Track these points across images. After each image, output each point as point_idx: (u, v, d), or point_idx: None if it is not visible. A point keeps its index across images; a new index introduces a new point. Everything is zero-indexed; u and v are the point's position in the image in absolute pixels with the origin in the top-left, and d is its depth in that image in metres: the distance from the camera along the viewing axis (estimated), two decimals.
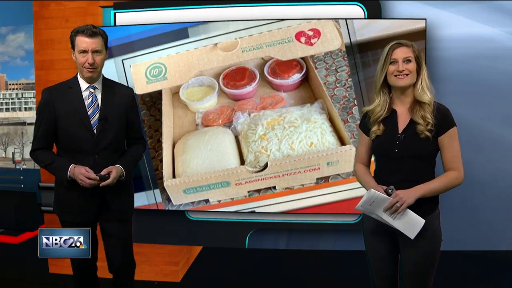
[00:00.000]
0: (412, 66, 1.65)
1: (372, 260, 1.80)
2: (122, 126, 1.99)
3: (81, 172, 1.82)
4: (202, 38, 2.68)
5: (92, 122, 1.90)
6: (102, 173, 1.87)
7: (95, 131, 1.90)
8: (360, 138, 1.85)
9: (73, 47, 1.89)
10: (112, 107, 1.94)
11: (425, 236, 1.62)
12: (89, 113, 1.90)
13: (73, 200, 1.91)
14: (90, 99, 1.92)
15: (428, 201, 1.63)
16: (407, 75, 1.64)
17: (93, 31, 1.86)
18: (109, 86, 1.98)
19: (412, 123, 1.66)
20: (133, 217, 2.10)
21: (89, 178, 1.82)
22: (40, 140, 1.92)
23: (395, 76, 1.66)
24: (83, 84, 1.92)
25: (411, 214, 1.60)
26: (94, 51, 1.86)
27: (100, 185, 1.85)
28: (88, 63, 1.85)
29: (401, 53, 1.65)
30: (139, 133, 2.11)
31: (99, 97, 1.93)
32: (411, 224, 1.60)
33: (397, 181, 1.64)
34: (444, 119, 1.64)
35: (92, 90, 1.93)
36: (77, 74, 1.95)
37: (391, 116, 1.71)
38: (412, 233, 1.60)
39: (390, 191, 1.63)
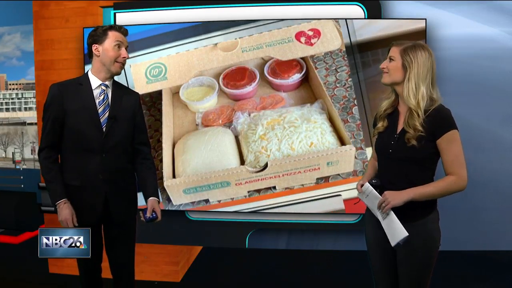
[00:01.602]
0: (393, 65, 1.65)
1: (373, 260, 1.80)
2: (130, 128, 1.97)
3: (67, 217, 1.82)
4: (202, 38, 2.68)
5: (101, 120, 1.87)
6: (148, 214, 1.94)
7: (104, 129, 1.87)
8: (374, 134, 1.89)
9: (99, 41, 1.87)
10: (121, 107, 1.92)
11: (421, 239, 1.61)
12: (99, 111, 1.87)
13: (77, 202, 1.88)
14: (101, 97, 1.89)
15: (421, 205, 1.61)
16: (387, 73, 1.67)
17: (125, 29, 1.92)
18: (118, 87, 1.97)
19: (404, 129, 1.66)
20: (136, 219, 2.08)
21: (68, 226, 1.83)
22: (48, 137, 1.87)
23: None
24: (95, 82, 1.89)
25: (396, 222, 1.59)
26: (127, 48, 1.91)
27: (154, 223, 1.96)
28: (123, 57, 1.88)
29: (390, 52, 1.69)
30: (145, 138, 2.08)
31: (109, 95, 1.92)
32: (394, 231, 1.60)
33: (395, 181, 1.65)
34: (440, 123, 1.60)
35: (104, 88, 1.90)
36: (87, 72, 1.92)
37: (394, 114, 1.72)
38: (393, 240, 1.61)
39: (374, 181, 1.68)
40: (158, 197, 2.01)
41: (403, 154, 1.64)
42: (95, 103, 1.88)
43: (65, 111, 1.85)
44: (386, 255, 1.75)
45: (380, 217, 1.65)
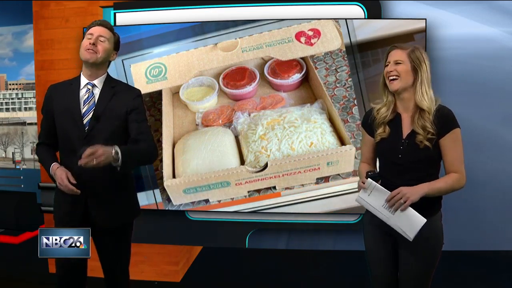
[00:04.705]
0: (401, 68, 1.63)
1: (372, 263, 1.79)
2: (118, 129, 1.85)
3: (61, 177, 1.73)
4: (202, 38, 2.68)
5: (85, 120, 1.82)
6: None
7: (86, 130, 1.81)
8: (363, 138, 1.84)
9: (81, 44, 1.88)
10: (108, 107, 1.84)
11: (426, 238, 1.61)
12: (83, 110, 1.83)
13: (62, 205, 1.87)
14: (86, 96, 1.85)
15: (433, 202, 1.62)
16: (397, 77, 1.63)
17: (104, 22, 1.89)
18: (111, 85, 1.89)
19: (413, 132, 1.65)
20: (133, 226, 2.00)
21: (68, 186, 1.72)
22: (42, 135, 1.93)
23: (388, 78, 1.67)
24: (83, 81, 1.87)
25: (411, 211, 1.56)
26: (100, 37, 1.83)
27: (84, 166, 1.59)
28: (89, 43, 1.81)
29: (394, 55, 1.66)
30: (145, 137, 1.87)
31: (96, 95, 1.86)
32: (410, 223, 1.55)
33: (401, 183, 1.63)
34: (444, 121, 1.62)
35: (89, 87, 1.85)
36: (81, 72, 1.90)
37: (396, 119, 1.70)
38: (411, 233, 1.55)
39: (370, 173, 1.63)
40: (120, 152, 1.64)
41: (414, 158, 1.63)
42: (79, 103, 1.84)
43: (54, 111, 1.86)
44: (387, 258, 1.75)
45: (387, 214, 1.59)
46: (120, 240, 1.95)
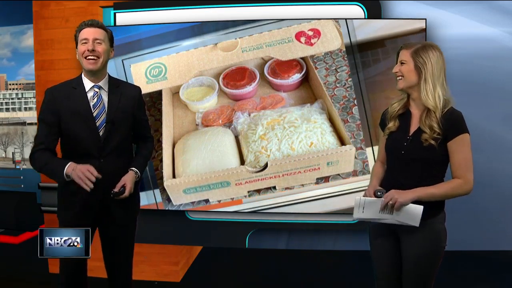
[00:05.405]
0: (405, 68, 1.66)
1: (377, 262, 1.80)
2: (129, 128, 1.93)
3: (85, 167, 1.71)
4: (202, 38, 2.68)
5: (97, 124, 1.83)
6: (116, 189, 1.82)
7: (101, 133, 1.83)
8: (380, 137, 1.87)
9: (77, 44, 1.84)
10: (119, 109, 1.87)
11: (428, 239, 1.62)
12: (94, 114, 1.83)
13: (75, 203, 1.86)
14: (95, 100, 1.84)
15: (430, 206, 1.62)
16: (401, 77, 1.67)
17: (93, 21, 1.84)
18: (115, 86, 1.91)
19: (419, 130, 1.65)
20: (137, 223, 2.04)
21: (89, 179, 1.72)
22: (43, 140, 1.83)
23: (396, 78, 1.71)
24: (88, 84, 1.85)
25: (408, 206, 1.59)
26: (96, 40, 1.80)
27: (117, 198, 1.82)
28: (88, 50, 1.78)
29: (400, 55, 1.69)
30: (146, 132, 2.07)
31: (105, 98, 1.87)
32: (411, 214, 1.59)
33: (405, 182, 1.64)
34: (452, 125, 1.61)
35: (97, 90, 1.85)
36: (81, 74, 1.89)
37: (406, 114, 1.72)
38: (415, 222, 1.59)
39: (379, 193, 1.64)
40: (140, 171, 1.95)
41: (416, 156, 1.64)
42: (90, 106, 1.84)
43: (60, 116, 1.82)
44: (391, 257, 1.75)
45: (389, 218, 1.63)
46: (127, 236, 2.00)
